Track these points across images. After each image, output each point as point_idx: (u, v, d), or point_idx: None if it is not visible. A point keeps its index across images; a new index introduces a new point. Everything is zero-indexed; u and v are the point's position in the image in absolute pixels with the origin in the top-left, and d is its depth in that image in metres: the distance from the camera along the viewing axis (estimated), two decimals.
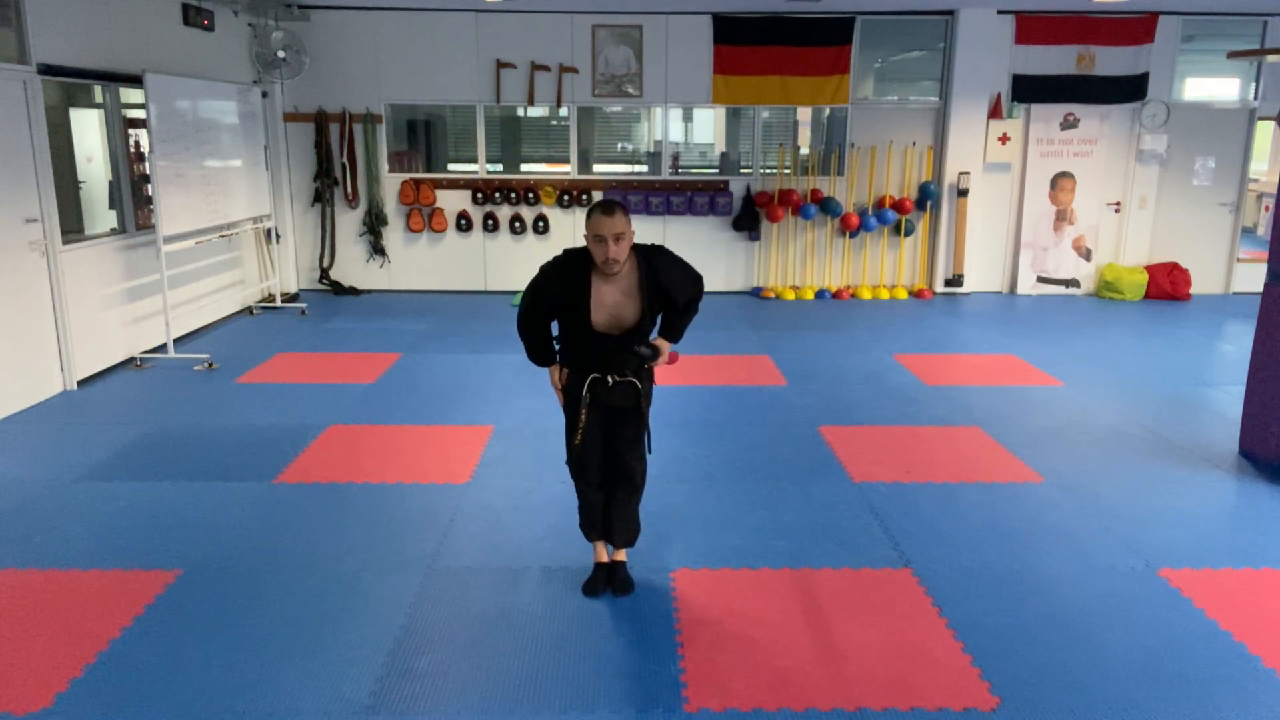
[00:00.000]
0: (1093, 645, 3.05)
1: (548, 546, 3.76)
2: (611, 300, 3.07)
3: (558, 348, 3.29)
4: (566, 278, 3.07)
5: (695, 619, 3.21)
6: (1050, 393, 6.03)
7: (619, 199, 3.13)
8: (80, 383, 6.00)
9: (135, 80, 6.43)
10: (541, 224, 9.32)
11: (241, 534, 3.84)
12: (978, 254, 9.54)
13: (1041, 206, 9.46)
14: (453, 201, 9.32)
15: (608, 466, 3.36)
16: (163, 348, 6.79)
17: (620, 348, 3.14)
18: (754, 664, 2.93)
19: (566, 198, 9.27)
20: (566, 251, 3.16)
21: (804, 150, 9.67)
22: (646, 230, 9.40)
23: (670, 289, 3.15)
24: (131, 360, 6.58)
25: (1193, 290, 9.47)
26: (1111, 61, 9.17)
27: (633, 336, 3.12)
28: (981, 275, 9.65)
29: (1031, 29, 9.08)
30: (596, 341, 3.12)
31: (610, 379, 3.19)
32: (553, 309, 3.15)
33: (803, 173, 9.41)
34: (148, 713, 2.67)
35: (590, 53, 9.02)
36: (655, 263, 3.13)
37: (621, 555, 3.49)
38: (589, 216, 2.98)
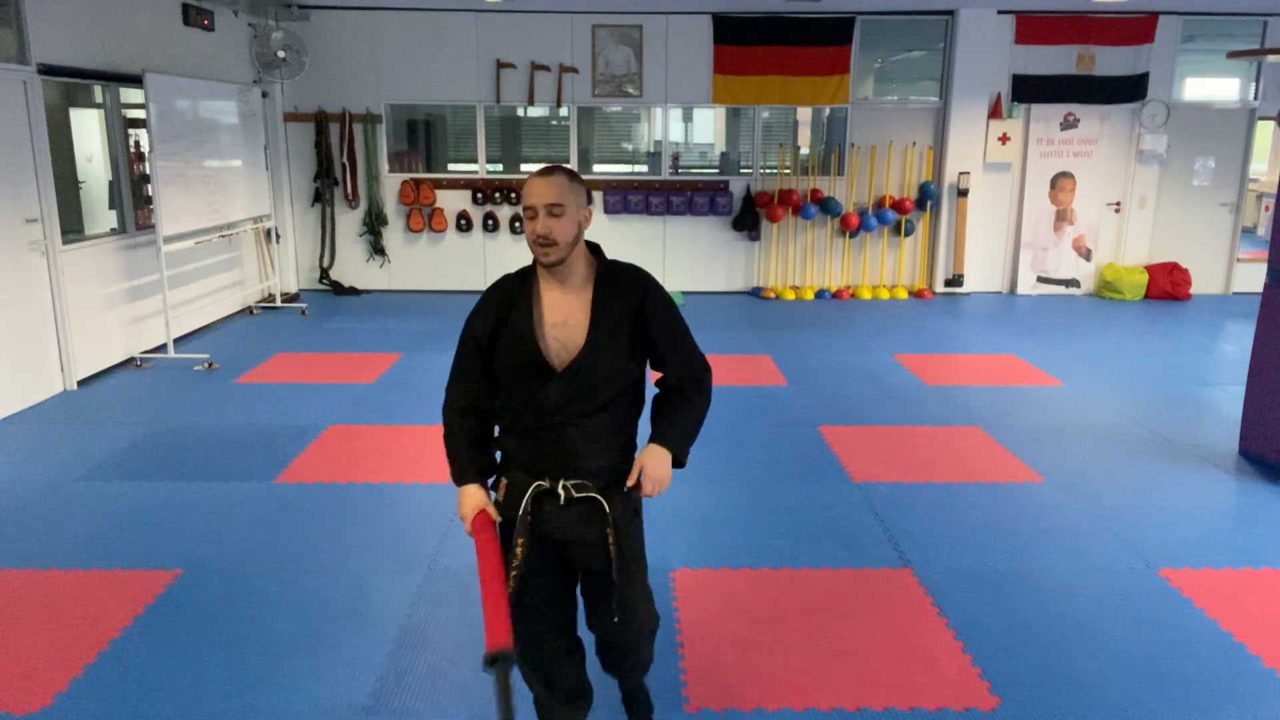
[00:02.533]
0: (1093, 645, 3.05)
1: None
2: (561, 316, 2.11)
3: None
4: (503, 291, 2.17)
5: (695, 619, 3.21)
6: (1050, 393, 6.03)
7: (565, 169, 2.17)
8: (80, 383, 6.00)
9: (135, 80, 6.43)
10: None
11: (241, 534, 3.84)
12: (978, 254, 9.54)
13: (1041, 206, 9.46)
14: (453, 201, 9.32)
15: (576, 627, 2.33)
16: (163, 348, 6.79)
17: (573, 409, 2.09)
18: (754, 664, 2.93)
19: None
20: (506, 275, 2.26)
21: (804, 150, 9.67)
22: (647, 230, 9.41)
23: (658, 340, 2.16)
24: (131, 360, 6.58)
25: (1193, 290, 9.46)
26: (1111, 61, 9.17)
27: (581, 378, 2.08)
28: (981, 275, 9.65)
29: (1031, 29, 9.08)
30: (544, 403, 2.09)
31: (562, 490, 2.12)
32: (488, 353, 2.16)
33: (803, 173, 9.41)
34: (148, 713, 2.67)
35: (590, 53, 9.02)
36: (649, 290, 2.17)
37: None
38: (524, 187, 2.09)
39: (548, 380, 2.08)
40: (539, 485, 2.13)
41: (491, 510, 2.15)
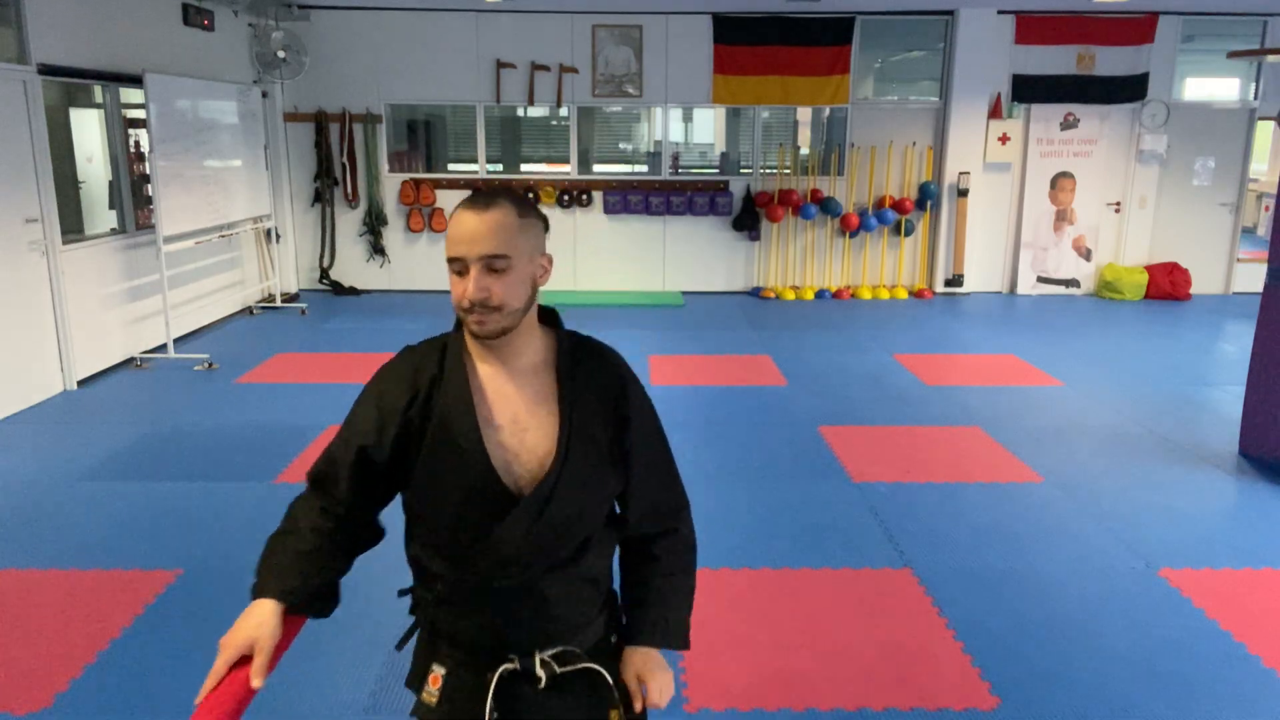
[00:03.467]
0: (1093, 645, 3.05)
1: None
2: (509, 413, 1.44)
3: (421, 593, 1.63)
4: (415, 371, 1.47)
5: (695, 619, 3.19)
6: (1050, 393, 6.03)
7: (512, 192, 1.48)
8: (80, 383, 6.00)
9: (135, 80, 6.43)
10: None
11: (241, 534, 3.84)
12: (978, 254, 9.54)
13: (1041, 206, 9.46)
14: (453, 201, 9.31)
15: None
16: (163, 348, 6.79)
17: (547, 553, 1.45)
18: (754, 664, 2.93)
19: (566, 198, 9.27)
20: (412, 346, 1.54)
21: (804, 150, 9.67)
22: (647, 230, 9.41)
23: (633, 456, 1.52)
24: (131, 360, 6.58)
25: (1193, 290, 9.46)
26: (1111, 61, 9.17)
27: (557, 509, 1.43)
28: (981, 275, 9.65)
29: (1031, 29, 9.07)
30: (501, 549, 1.42)
31: (541, 668, 1.47)
32: (387, 469, 1.48)
33: (803, 173, 9.40)
34: (148, 713, 2.67)
35: (590, 53, 9.02)
36: (628, 383, 1.54)
37: None
38: (450, 221, 1.43)
39: (502, 512, 1.40)
40: (506, 667, 1.45)
41: (268, 647, 1.46)
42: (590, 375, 1.51)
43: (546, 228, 1.50)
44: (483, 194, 1.41)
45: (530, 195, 9.24)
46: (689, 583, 1.68)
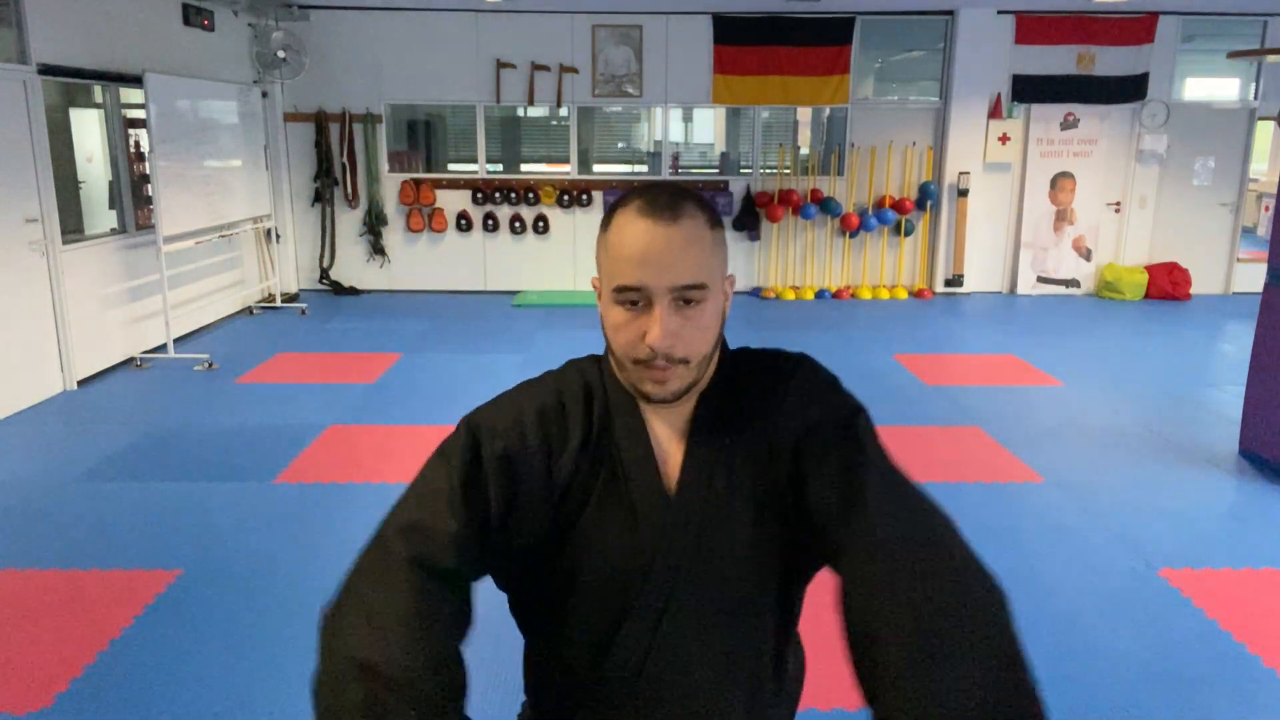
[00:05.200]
0: (1093, 645, 3.04)
1: None
2: (672, 471, 1.11)
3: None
4: (582, 409, 1.10)
5: None
6: (1050, 393, 6.03)
7: (690, 190, 1.05)
8: (80, 383, 6.00)
9: (135, 80, 6.43)
10: (541, 224, 9.32)
11: (241, 534, 3.84)
12: (978, 254, 9.54)
13: (1041, 206, 9.46)
14: (453, 201, 9.31)
15: None
16: (163, 348, 6.79)
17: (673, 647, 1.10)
18: None
19: (566, 198, 9.27)
20: (556, 375, 1.15)
21: (804, 150, 9.67)
22: None
23: (832, 508, 1.04)
24: (131, 360, 6.58)
25: (1193, 290, 9.46)
26: (1111, 61, 9.17)
27: (669, 625, 1.09)
28: (981, 275, 9.64)
29: (1031, 29, 9.07)
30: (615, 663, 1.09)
31: None
32: (518, 549, 1.09)
33: (803, 173, 9.40)
34: (148, 713, 2.67)
35: (590, 53, 9.02)
36: (807, 405, 1.09)
37: None
38: (607, 225, 1.06)
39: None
40: None
41: None
42: (741, 413, 1.09)
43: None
44: (659, 190, 1.04)
45: (530, 195, 9.24)
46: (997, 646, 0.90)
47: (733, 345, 1.18)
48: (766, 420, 1.09)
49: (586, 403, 1.10)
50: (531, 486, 1.05)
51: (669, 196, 1.03)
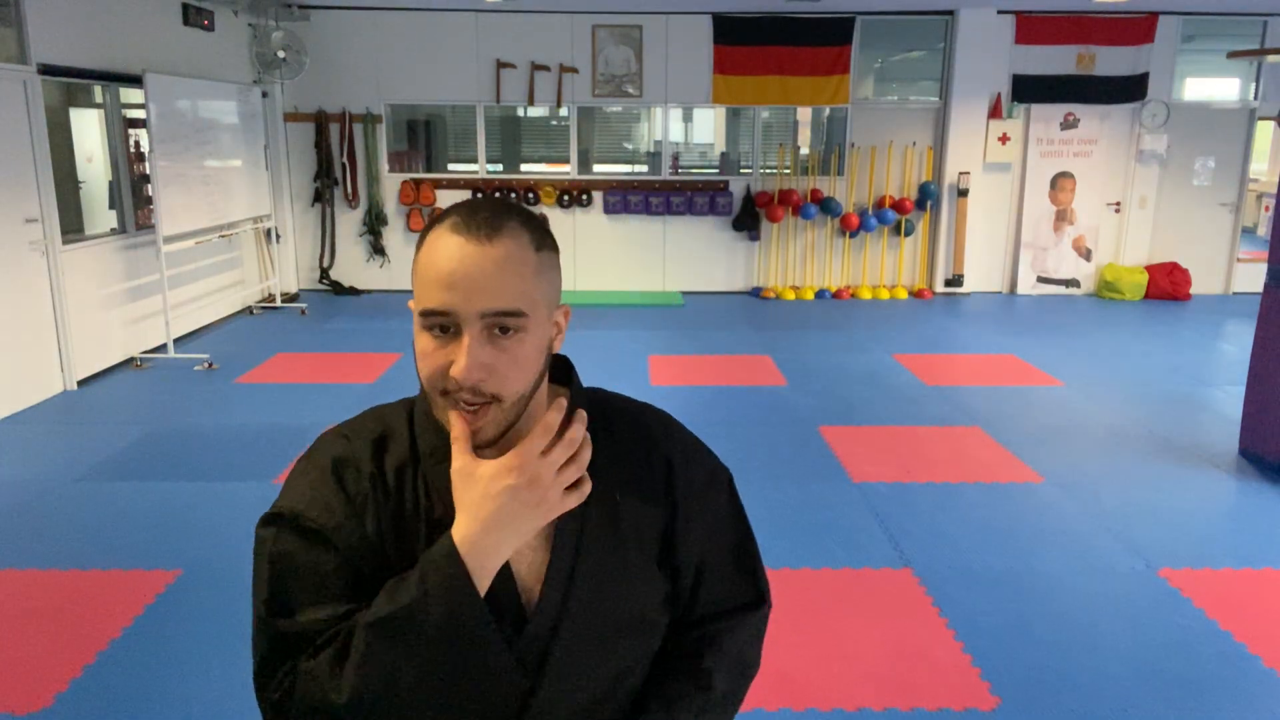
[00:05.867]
0: (1093, 645, 3.04)
1: None
2: None
3: None
4: (373, 457, 1.02)
5: None
6: (1050, 393, 6.03)
7: (518, 206, 0.96)
8: (80, 383, 6.00)
9: (135, 80, 6.43)
10: None
11: (241, 534, 3.84)
12: (978, 254, 9.54)
13: (1041, 206, 9.46)
14: (453, 201, 9.29)
15: None
16: (163, 348, 6.79)
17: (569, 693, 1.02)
18: None
19: (566, 198, 9.27)
20: (345, 430, 1.06)
21: (804, 150, 9.67)
22: (647, 230, 9.41)
23: (697, 556, 1.12)
24: (131, 360, 6.58)
25: (1193, 290, 9.46)
26: (1111, 61, 9.17)
27: (547, 687, 1.00)
28: (981, 275, 9.64)
29: (1031, 29, 9.07)
30: (508, 691, 0.99)
31: None
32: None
33: (803, 173, 9.40)
34: (148, 713, 2.67)
35: (590, 53, 9.02)
36: (671, 458, 1.10)
37: None
38: (420, 243, 0.96)
39: (509, 640, 0.99)
40: None
41: None
42: (620, 462, 1.06)
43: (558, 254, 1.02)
44: (478, 206, 0.95)
45: (530, 195, 9.24)
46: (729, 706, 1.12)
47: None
48: (646, 468, 1.08)
49: (377, 456, 1.02)
50: (337, 557, 0.98)
51: (489, 213, 0.93)
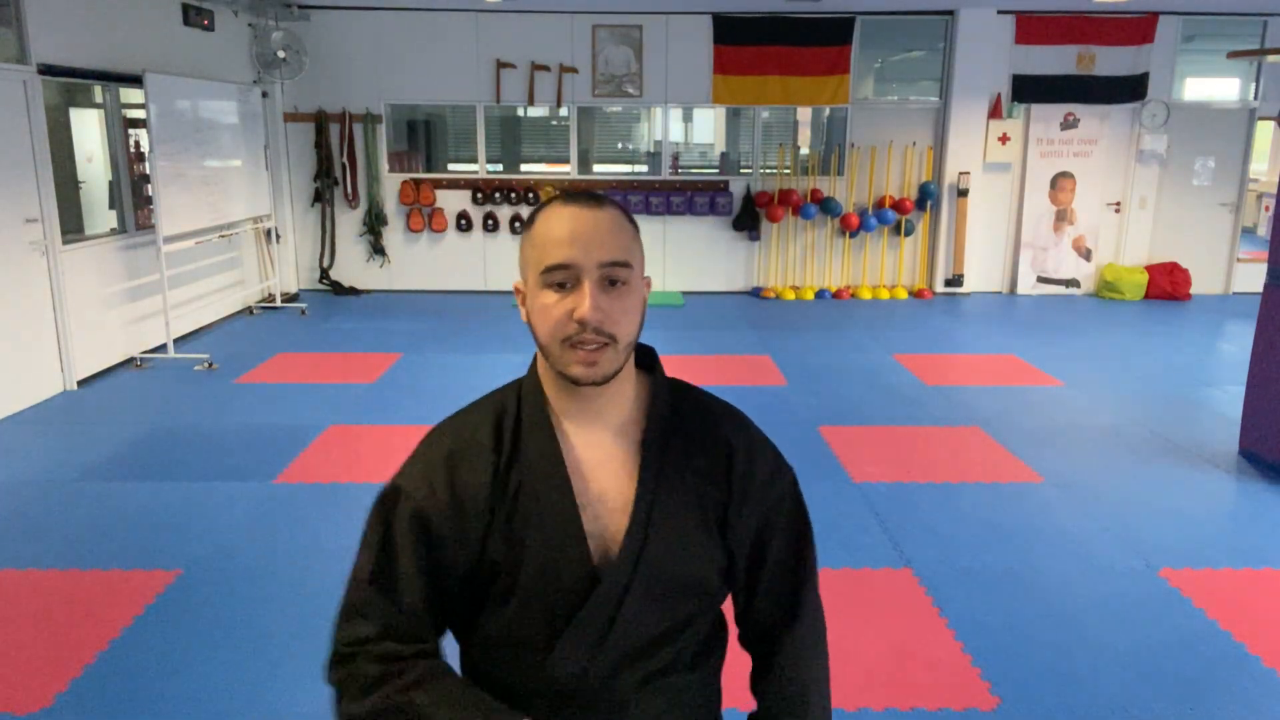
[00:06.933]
0: (1093, 645, 3.04)
1: None
2: (600, 486, 1.14)
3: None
4: (494, 431, 1.15)
5: None
6: (1050, 393, 6.03)
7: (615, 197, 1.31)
8: (80, 383, 6.00)
9: (135, 80, 6.43)
10: None
11: (241, 534, 3.84)
12: (978, 254, 9.54)
13: (1041, 206, 9.46)
14: (453, 201, 9.31)
15: None
16: (163, 348, 6.79)
17: (634, 658, 1.14)
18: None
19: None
20: (471, 408, 1.20)
21: (804, 150, 9.67)
22: (647, 230, 9.33)
23: (765, 552, 1.21)
24: (131, 360, 6.58)
25: (1193, 290, 9.46)
26: (1111, 61, 9.17)
27: (621, 625, 1.12)
28: (981, 275, 9.64)
29: (1031, 29, 9.07)
30: (575, 652, 1.12)
31: None
32: (461, 562, 1.13)
33: (803, 173, 9.40)
34: (148, 713, 2.67)
35: (590, 53, 9.02)
36: (734, 449, 1.18)
37: None
38: (531, 223, 1.13)
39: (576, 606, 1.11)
40: None
41: None
42: (689, 443, 1.16)
43: None
44: (577, 192, 1.11)
45: (530, 195, 9.24)
46: (826, 690, 1.26)
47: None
48: (714, 454, 1.17)
49: (496, 433, 1.14)
50: (446, 533, 1.11)
51: (590, 194, 1.12)
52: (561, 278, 1.06)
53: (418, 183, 9.22)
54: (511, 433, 1.14)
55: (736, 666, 1.34)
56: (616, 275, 1.07)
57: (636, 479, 1.13)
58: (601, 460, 1.14)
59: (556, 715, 1.13)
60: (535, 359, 1.17)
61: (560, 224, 1.07)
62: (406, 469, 1.16)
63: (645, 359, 1.22)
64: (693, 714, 1.21)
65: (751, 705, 1.27)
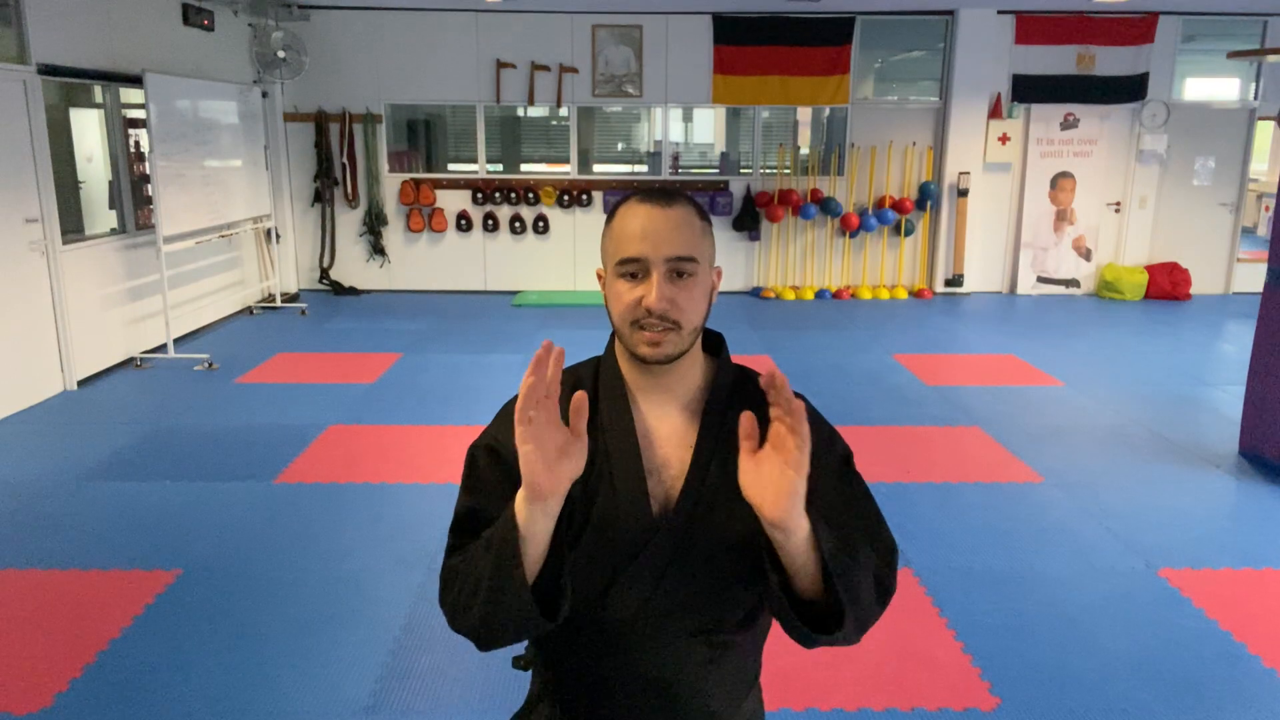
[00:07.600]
0: (1093, 645, 3.05)
1: None
2: (663, 455, 1.26)
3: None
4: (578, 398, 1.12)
5: None
6: (1050, 393, 6.03)
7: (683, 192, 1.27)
8: (80, 383, 6.00)
9: (135, 80, 6.43)
10: (541, 224, 9.32)
11: (241, 534, 3.84)
12: (978, 254, 9.54)
13: (1041, 206, 9.46)
14: (453, 201, 9.31)
15: None
16: (163, 348, 6.79)
17: (684, 612, 1.25)
18: None
19: (566, 198, 9.27)
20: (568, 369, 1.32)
21: (804, 150, 9.67)
22: None
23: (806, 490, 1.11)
24: (131, 360, 6.58)
25: (1193, 290, 9.46)
26: (1111, 61, 9.17)
27: (674, 574, 1.24)
28: (981, 275, 9.64)
29: (1031, 29, 9.07)
30: (626, 603, 1.23)
31: None
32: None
33: (803, 173, 9.40)
34: (148, 713, 2.67)
35: (590, 53, 9.02)
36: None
37: None
38: (612, 217, 1.25)
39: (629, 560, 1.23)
40: None
41: None
42: (751, 407, 1.18)
43: None
44: (654, 189, 1.23)
45: (530, 195, 9.25)
46: (871, 582, 1.31)
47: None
48: (765, 422, 1.18)
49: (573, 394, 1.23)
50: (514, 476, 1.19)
51: (664, 192, 1.23)
52: (633, 269, 1.20)
53: (418, 183, 9.22)
54: (590, 395, 1.20)
55: (776, 660, 1.34)
56: (683, 268, 1.20)
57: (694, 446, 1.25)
58: (668, 431, 1.27)
59: (607, 656, 1.25)
60: (611, 339, 1.31)
61: (634, 220, 1.20)
62: (489, 426, 1.32)
63: (714, 343, 1.35)
64: (733, 674, 1.30)
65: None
